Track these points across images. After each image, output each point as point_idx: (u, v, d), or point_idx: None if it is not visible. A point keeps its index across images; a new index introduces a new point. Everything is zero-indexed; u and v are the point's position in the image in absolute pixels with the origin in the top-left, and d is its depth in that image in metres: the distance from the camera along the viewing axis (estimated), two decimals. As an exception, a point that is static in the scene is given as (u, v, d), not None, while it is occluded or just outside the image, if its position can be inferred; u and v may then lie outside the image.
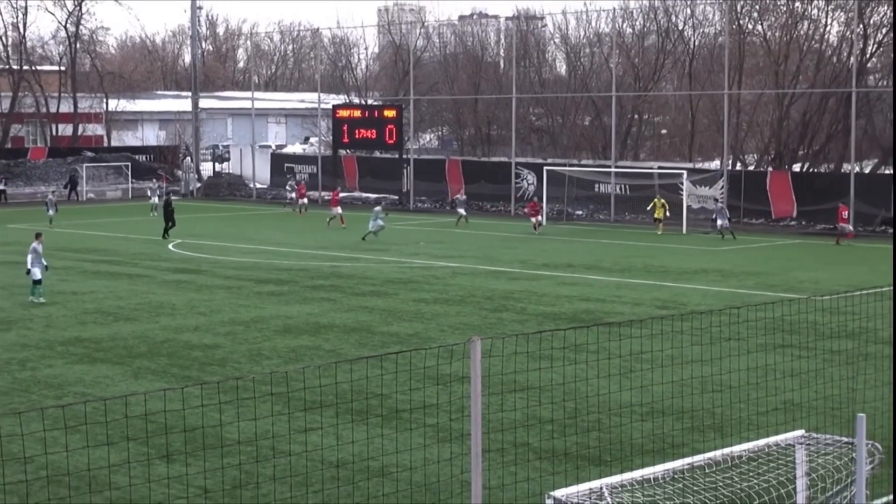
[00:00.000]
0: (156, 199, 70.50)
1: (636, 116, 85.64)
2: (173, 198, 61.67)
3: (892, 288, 24.39)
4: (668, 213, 62.68)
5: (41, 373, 26.54)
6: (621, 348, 23.96)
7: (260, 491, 17.00)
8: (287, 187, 79.57)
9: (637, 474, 10.51)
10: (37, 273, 35.03)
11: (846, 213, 55.60)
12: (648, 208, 63.71)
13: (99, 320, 33.58)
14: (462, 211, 65.02)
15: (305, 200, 70.29)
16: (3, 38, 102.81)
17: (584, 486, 10.10)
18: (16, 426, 20.15)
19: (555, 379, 22.02)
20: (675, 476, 10.69)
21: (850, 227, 55.21)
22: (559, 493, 9.87)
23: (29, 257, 35.62)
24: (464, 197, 67.28)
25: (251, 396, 22.48)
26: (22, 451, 18.75)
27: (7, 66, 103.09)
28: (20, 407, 22.85)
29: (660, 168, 72.22)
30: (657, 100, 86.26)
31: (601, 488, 10.09)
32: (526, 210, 65.77)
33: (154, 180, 79.19)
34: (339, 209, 62.20)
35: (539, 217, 60.68)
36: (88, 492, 17.24)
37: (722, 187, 66.41)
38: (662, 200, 63.58)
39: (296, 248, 53.79)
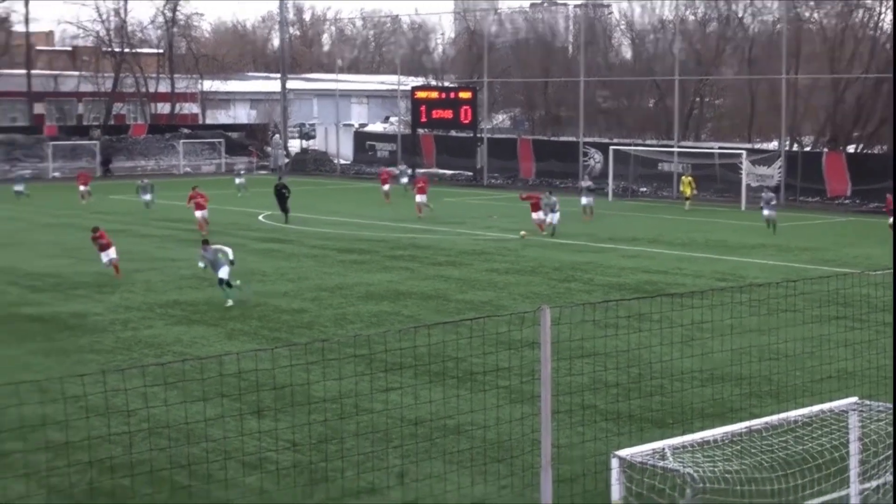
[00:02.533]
0: (239, 181, 69.87)
1: (698, 99, 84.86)
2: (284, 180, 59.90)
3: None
4: (695, 191, 62.55)
5: (142, 333, 26.91)
6: (683, 318, 23.80)
7: (344, 445, 17.13)
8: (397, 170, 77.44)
9: (697, 436, 10.49)
10: (225, 273, 31.01)
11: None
12: (683, 188, 63.34)
13: (195, 285, 33.93)
14: (554, 217, 47.99)
15: (387, 187, 66.66)
16: (106, 23, 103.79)
17: (648, 447, 10.10)
18: (119, 382, 20.44)
19: (619, 346, 21.95)
20: (734, 439, 10.66)
21: None
22: (624, 452, 9.88)
23: (201, 263, 32.26)
24: (555, 198, 50.06)
25: (336, 357, 22.63)
26: (125, 405, 19.04)
27: (110, 49, 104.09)
28: (123, 364, 23.16)
29: (720, 148, 71.73)
30: (718, 83, 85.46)
31: (664, 449, 10.08)
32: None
33: (241, 169, 78.73)
34: (423, 197, 58.14)
35: (543, 214, 47.76)
36: (186, 443, 17.48)
37: (779, 167, 65.84)
38: (689, 178, 63.43)
39: (376, 220, 53.97)
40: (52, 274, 36.16)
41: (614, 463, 9.73)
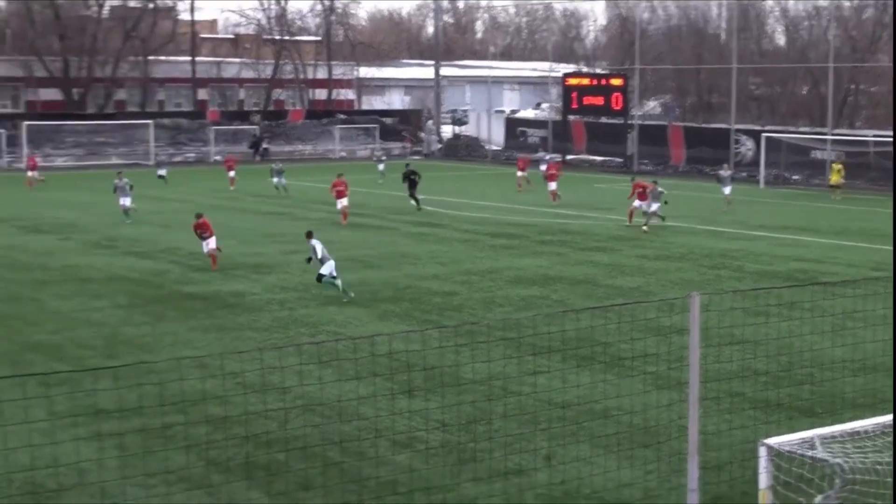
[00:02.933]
0: (381, 167, 70.13)
1: (853, 86, 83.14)
2: (413, 159, 59.74)
3: None
4: (843, 179, 60.70)
5: (297, 312, 27.37)
6: (834, 307, 23.35)
7: (492, 427, 17.23)
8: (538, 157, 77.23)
9: (848, 427, 10.32)
10: (331, 269, 29.15)
11: None
12: (831, 177, 61.42)
13: (349, 267, 34.29)
14: (655, 206, 44.05)
15: (521, 174, 64.90)
16: (267, 12, 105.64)
17: (797, 436, 9.97)
18: (276, 359, 20.90)
19: (769, 334, 21.66)
20: (885, 430, 10.45)
21: None
22: (772, 440, 9.77)
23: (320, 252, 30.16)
24: (660, 188, 46.28)
25: (485, 340, 22.77)
26: (281, 382, 19.46)
27: (270, 37, 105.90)
28: (279, 342, 23.62)
29: (875, 136, 70.06)
30: (874, 70, 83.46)
31: (813, 438, 9.95)
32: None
33: (382, 155, 78.94)
34: (554, 184, 56.98)
35: (647, 204, 44.32)
36: (339, 421, 17.75)
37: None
38: (839, 166, 61.62)
39: (526, 205, 53.91)
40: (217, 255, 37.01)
41: (762, 451, 9.63)
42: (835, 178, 60.50)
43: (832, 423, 10.47)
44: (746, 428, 16.62)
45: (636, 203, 44.54)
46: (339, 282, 28.91)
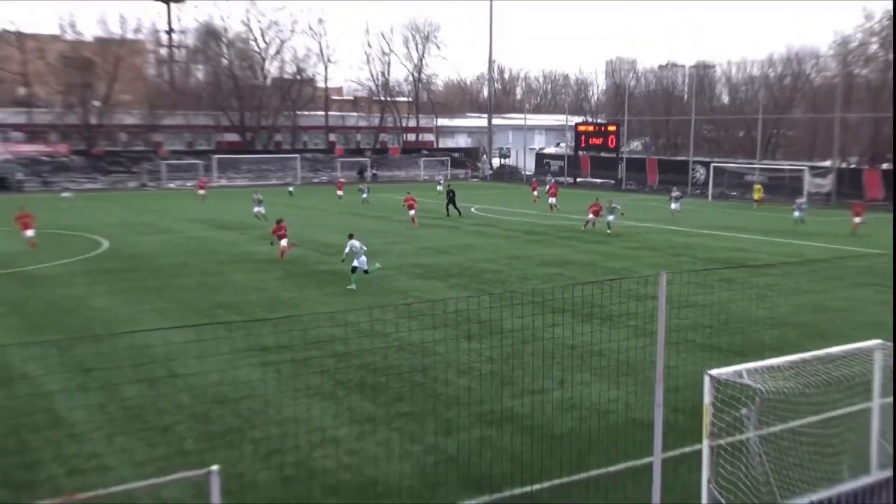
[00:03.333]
0: (440, 188, 68.35)
1: (774, 131, 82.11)
2: (452, 183, 59.29)
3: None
4: (763, 196, 60.50)
5: (394, 284, 27.53)
6: (758, 282, 23.23)
7: (523, 361, 17.28)
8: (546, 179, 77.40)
9: (765, 363, 10.27)
10: (363, 263, 27.06)
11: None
12: (754, 194, 61.16)
13: (429, 254, 34.53)
14: (610, 218, 42.10)
15: (536, 192, 63.86)
16: (376, 81, 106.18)
17: (730, 369, 9.92)
18: (380, 314, 21.08)
19: (713, 300, 21.54)
20: (791, 366, 10.39)
21: None
22: (713, 371, 9.74)
23: (353, 249, 27.42)
24: (617, 205, 43.94)
25: (520, 303, 22.81)
26: (383, 330, 19.64)
27: (378, 98, 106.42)
28: (382, 303, 23.82)
29: (789, 165, 69.28)
30: (789, 120, 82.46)
31: (741, 370, 9.91)
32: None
33: (442, 175, 78.64)
34: (554, 199, 55.48)
35: (601, 217, 42.61)
36: (421, 355, 17.92)
37: (832, 179, 63.35)
38: (759, 186, 61.73)
39: (547, 213, 53.72)
40: (338, 244, 37.35)
41: (706, 379, 9.62)
42: (757, 195, 60.29)
43: (754, 361, 10.43)
44: (696, 363, 16.59)
45: (590, 216, 42.69)
46: (370, 269, 27.24)
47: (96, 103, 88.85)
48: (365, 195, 60.81)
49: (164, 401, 15.12)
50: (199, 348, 17.80)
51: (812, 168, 65.87)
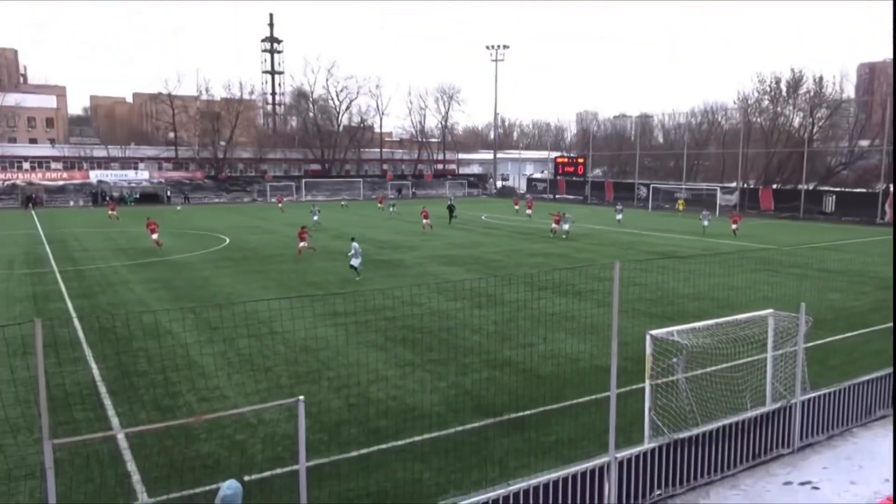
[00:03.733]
0: (450, 203, 66.71)
1: (696, 161, 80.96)
2: (453, 202, 59.12)
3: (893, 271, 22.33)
4: (685, 206, 59.68)
5: (427, 269, 27.27)
6: (683, 268, 22.77)
7: (517, 324, 17.06)
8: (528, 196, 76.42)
9: (689, 326, 10.04)
10: (357, 262, 24.44)
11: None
12: (678, 206, 60.30)
13: (451, 248, 34.31)
14: (566, 227, 38.96)
15: (518, 206, 61.43)
16: (416, 128, 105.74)
17: (665, 330, 9.71)
18: (417, 290, 20.94)
19: (650, 281, 21.19)
20: (708, 328, 10.16)
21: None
22: (653, 331, 9.54)
23: (351, 252, 25.02)
24: (570, 216, 41.03)
25: (515, 282, 22.64)
26: (420, 301, 19.46)
27: (417, 139, 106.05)
28: (419, 282, 23.51)
29: (706, 184, 68.35)
30: (706, 154, 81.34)
31: (672, 331, 9.67)
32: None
33: (451, 196, 77.49)
34: (531, 210, 53.87)
35: (560, 225, 39.21)
36: (445, 319, 17.69)
37: (737, 194, 62.38)
38: (682, 200, 61.11)
39: (539, 221, 53.29)
40: (388, 241, 37.32)
41: (648, 337, 9.44)
42: (680, 207, 59.53)
43: (681, 324, 10.21)
44: (640, 326, 16.35)
45: (553, 225, 39.31)
46: (359, 269, 24.40)
47: (222, 143, 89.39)
48: (393, 209, 58.52)
49: (266, 350, 15.11)
50: (291, 313, 17.79)
51: (722, 188, 64.86)
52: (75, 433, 10.43)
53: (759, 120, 72.27)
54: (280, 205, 63.41)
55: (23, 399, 11.88)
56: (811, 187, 62.13)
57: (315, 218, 46.14)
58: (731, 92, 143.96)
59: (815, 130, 66.96)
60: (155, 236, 33.68)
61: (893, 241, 33.38)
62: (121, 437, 10.43)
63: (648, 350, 9.43)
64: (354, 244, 24.82)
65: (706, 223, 43.34)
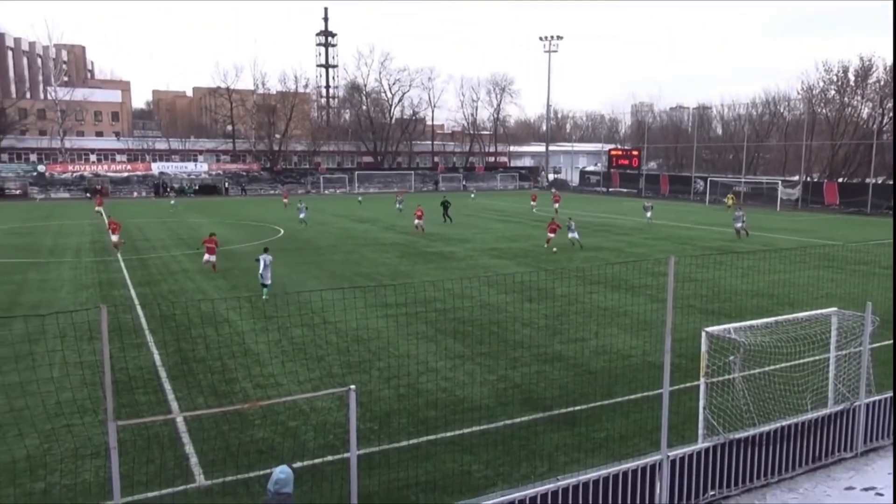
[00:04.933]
0: (472, 195, 63.80)
1: (756, 154, 78.45)
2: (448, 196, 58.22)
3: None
4: (734, 202, 55.86)
5: (477, 261, 27.21)
6: (742, 263, 22.15)
7: (568, 318, 16.88)
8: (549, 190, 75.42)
9: (746, 323, 9.77)
10: (265, 277, 19.38)
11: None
12: (727, 200, 56.90)
13: (502, 241, 34.13)
14: (574, 235, 31.27)
15: (557, 205, 52.93)
16: (468, 120, 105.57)
17: (721, 327, 9.48)
18: (468, 283, 20.94)
19: (707, 277, 20.69)
20: (766, 326, 9.86)
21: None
22: (709, 329, 9.33)
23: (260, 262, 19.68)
24: (572, 222, 32.48)
25: (567, 276, 22.37)
26: (469, 293, 19.46)
27: (469, 132, 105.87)
28: (468, 275, 23.57)
29: (767, 177, 66.29)
30: (766, 147, 78.75)
31: (729, 328, 9.45)
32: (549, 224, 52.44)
33: (473, 188, 76.26)
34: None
35: (568, 234, 31.56)
36: (496, 312, 17.64)
37: (799, 188, 60.34)
38: (731, 195, 57.43)
39: (596, 213, 52.48)
40: (438, 233, 37.38)
41: (703, 334, 9.23)
42: (729, 202, 56.32)
43: (739, 322, 9.93)
44: (695, 322, 16.01)
45: (550, 235, 30.47)
46: (269, 286, 19.41)
47: (277, 135, 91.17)
48: (399, 205, 50.86)
49: (319, 339, 15.37)
50: (343, 304, 18.05)
51: (784, 181, 62.80)
52: (137, 416, 10.85)
53: (824, 111, 69.60)
54: (285, 200, 58.87)
55: (89, 382, 12.41)
56: (879, 181, 59.63)
57: (302, 216, 41.17)
58: (794, 82, 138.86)
59: (884, 121, 64.08)
60: (115, 237, 30.51)
61: (894, 239, 31.74)
62: (180, 420, 10.79)
63: (704, 347, 9.22)
64: (265, 256, 19.50)
65: (739, 225, 35.55)
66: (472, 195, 68.23)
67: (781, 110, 79.47)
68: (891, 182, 58.07)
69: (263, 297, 19.23)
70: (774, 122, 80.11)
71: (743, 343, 9.36)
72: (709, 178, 67.52)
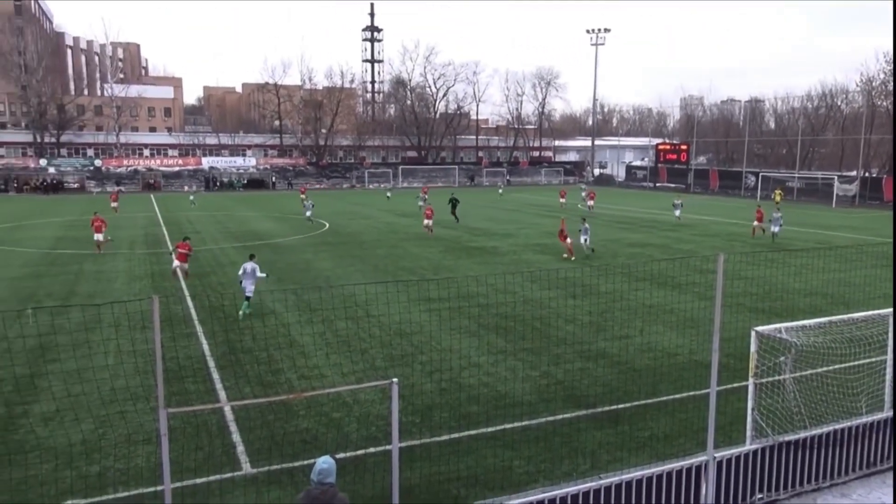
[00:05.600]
0: (500, 191, 62.65)
1: (811, 149, 75.94)
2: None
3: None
4: (782, 198, 52.88)
5: (521, 257, 27.00)
6: (794, 261, 21.50)
7: (613, 315, 16.68)
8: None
9: (799, 323, 9.48)
10: (247, 289, 16.96)
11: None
12: (775, 197, 53.74)
13: (546, 237, 33.78)
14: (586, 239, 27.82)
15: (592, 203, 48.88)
16: (512, 114, 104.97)
17: (772, 326, 9.21)
18: (510, 277, 20.84)
19: (758, 274, 20.17)
20: (820, 326, 9.55)
21: None
22: (759, 328, 9.08)
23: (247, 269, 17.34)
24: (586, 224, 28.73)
25: (612, 273, 22.09)
26: (513, 288, 19.38)
27: (513, 126, 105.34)
28: (512, 270, 23.45)
29: (822, 173, 64.16)
30: (822, 141, 76.13)
31: (780, 328, 9.18)
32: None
33: (501, 183, 74.41)
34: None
35: (577, 239, 28.23)
36: (539, 308, 17.53)
37: (857, 184, 58.23)
38: (779, 190, 54.01)
39: (641, 208, 51.69)
40: (481, 228, 37.31)
41: (753, 333, 8.99)
42: (777, 198, 53.23)
43: (790, 321, 9.65)
44: (744, 321, 15.62)
45: (568, 241, 26.77)
46: (250, 299, 17.07)
47: (323, 130, 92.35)
48: (389, 195, 49.08)
49: (363, 332, 15.53)
50: (386, 297, 18.19)
51: (840, 177, 60.65)
52: (187, 403, 11.15)
53: (884, 103, 66.92)
54: (303, 195, 53.87)
55: (142, 370, 12.81)
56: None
57: (308, 213, 40.25)
58: (853, 73, 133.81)
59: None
60: (98, 236, 27.96)
61: (893, 236, 30.13)
62: (227, 409, 11.05)
63: (753, 347, 8.98)
64: (247, 264, 17.21)
65: (775, 228, 32.27)
66: (500, 191, 67.66)
67: (839, 103, 76.80)
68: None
69: (241, 311, 16.46)
70: (831, 116, 77.46)
71: (794, 343, 9.09)
72: (760, 174, 65.75)
